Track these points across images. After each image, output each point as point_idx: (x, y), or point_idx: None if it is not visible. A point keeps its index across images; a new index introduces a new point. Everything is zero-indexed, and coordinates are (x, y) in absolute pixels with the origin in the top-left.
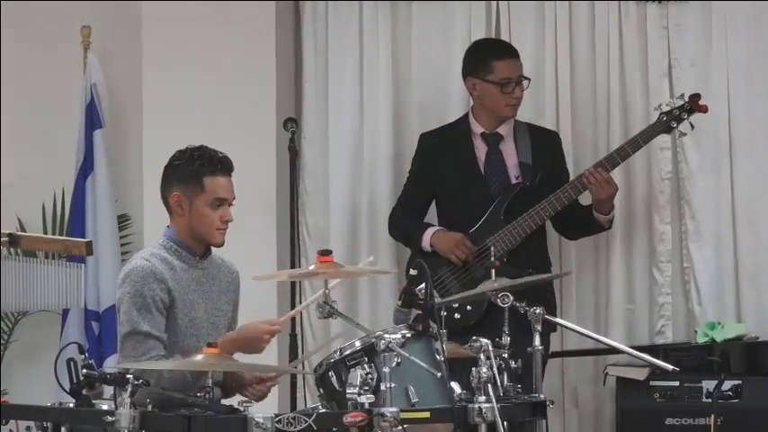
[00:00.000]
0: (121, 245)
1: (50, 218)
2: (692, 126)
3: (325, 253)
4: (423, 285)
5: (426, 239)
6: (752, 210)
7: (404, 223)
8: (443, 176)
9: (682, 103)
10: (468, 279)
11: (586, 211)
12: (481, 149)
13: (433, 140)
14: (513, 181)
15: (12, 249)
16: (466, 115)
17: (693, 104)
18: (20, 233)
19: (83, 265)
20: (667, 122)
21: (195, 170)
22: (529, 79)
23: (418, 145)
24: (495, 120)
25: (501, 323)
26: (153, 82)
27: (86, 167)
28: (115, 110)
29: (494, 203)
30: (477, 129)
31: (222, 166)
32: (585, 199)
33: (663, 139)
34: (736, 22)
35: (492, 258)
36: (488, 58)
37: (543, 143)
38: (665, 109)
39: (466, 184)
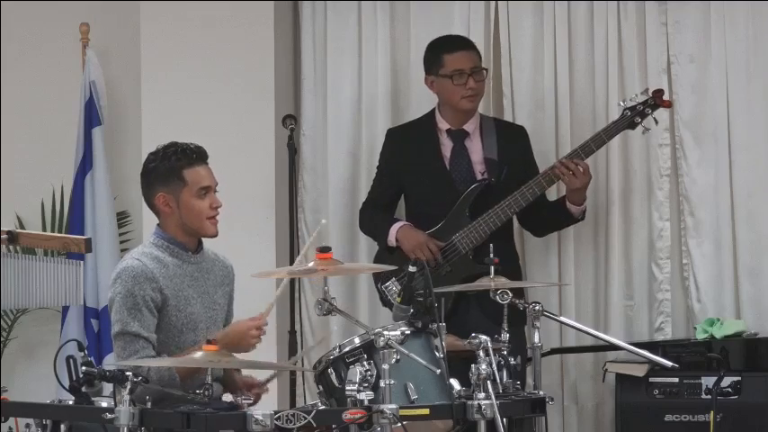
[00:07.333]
0: (120, 242)
1: (49, 215)
2: (656, 121)
3: (325, 250)
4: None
5: (392, 234)
6: (751, 206)
7: (370, 216)
8: (409, 172)
9: (645, 98)
10: (433, 276)
11: (556, 205)
12: (446, 146)
13: (400, 136)
14: (479, 177)
15: (11, 246)
16: (432, 112)
17: (657, 99)
18: (19, 230)
19: (82, 262)
20: (631, 118)
21: (172, 166)
22: (486, 69)
23: (385, 140)
24: (459, 116)
25: (468, 321)
26: (152, 79)
27: (85, 165)
28: (114, 107)
29: (459, 200)
30: (443, 125)
31: (197, 155)
32: (552, 195)
33: (662, 136)
34: (734, 19)
35: (491, 255)
36: (439, 53)
37: (510, 138)
38: (629, 104)
39: (431, 179)
